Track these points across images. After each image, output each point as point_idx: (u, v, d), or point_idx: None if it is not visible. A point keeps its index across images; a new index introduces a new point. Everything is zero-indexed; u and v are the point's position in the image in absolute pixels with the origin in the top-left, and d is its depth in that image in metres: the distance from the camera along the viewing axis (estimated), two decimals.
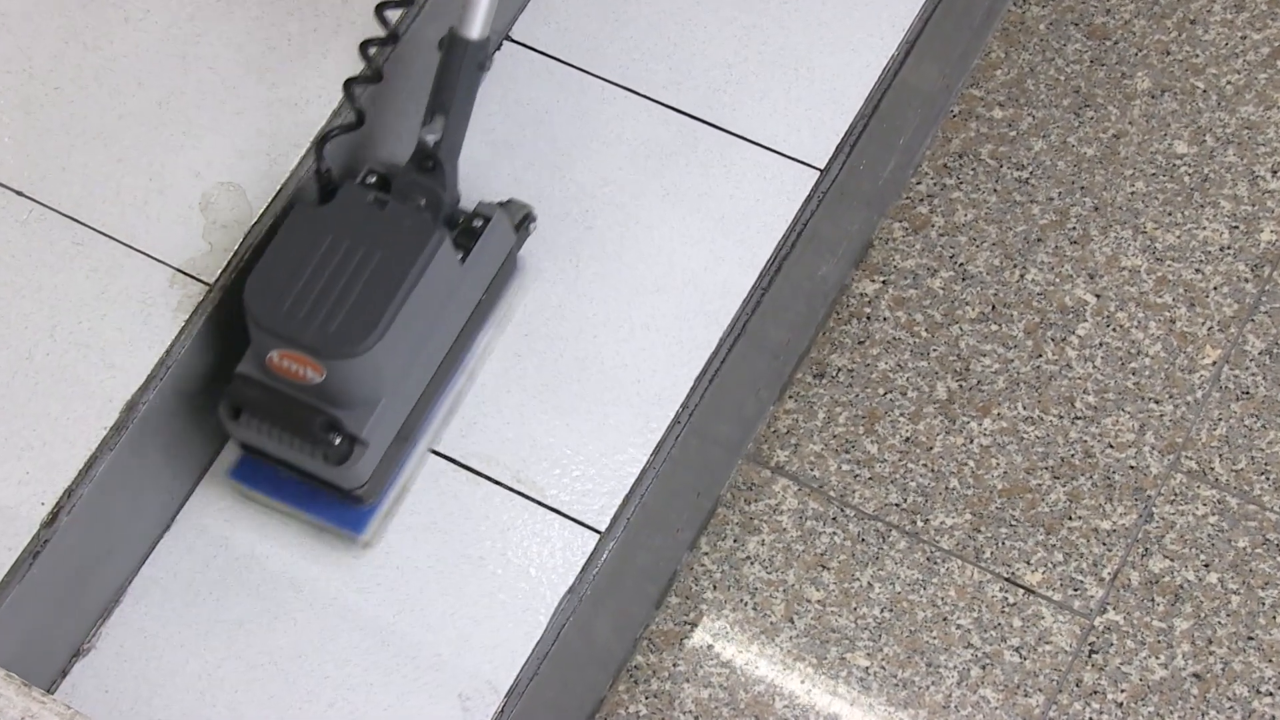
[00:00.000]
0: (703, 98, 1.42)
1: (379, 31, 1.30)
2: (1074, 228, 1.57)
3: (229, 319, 1.27)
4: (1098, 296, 1.54)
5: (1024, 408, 1.50)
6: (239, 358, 1.24)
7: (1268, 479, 1.46)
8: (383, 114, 1.35)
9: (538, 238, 1.37)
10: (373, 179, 1.28)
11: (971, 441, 1.49)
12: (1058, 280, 1.55)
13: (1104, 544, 1.44)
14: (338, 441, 1.21)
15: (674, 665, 1.42)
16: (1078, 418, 1.49)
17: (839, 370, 1.53)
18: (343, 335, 1.18)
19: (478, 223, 1.28)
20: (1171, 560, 1.43)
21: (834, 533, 1.46)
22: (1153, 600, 1.42)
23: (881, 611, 1.43)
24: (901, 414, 1.50)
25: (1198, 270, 1.54)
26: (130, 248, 1.28)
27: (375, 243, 1.21)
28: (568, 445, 1.31)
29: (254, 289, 1.21)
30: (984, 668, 1.40)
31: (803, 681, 1.41)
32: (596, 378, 1.33)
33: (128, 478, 1.24)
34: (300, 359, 1.19)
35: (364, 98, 1.29)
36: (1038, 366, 1.52)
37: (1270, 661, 1.39)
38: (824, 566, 1.45)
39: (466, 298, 1.29)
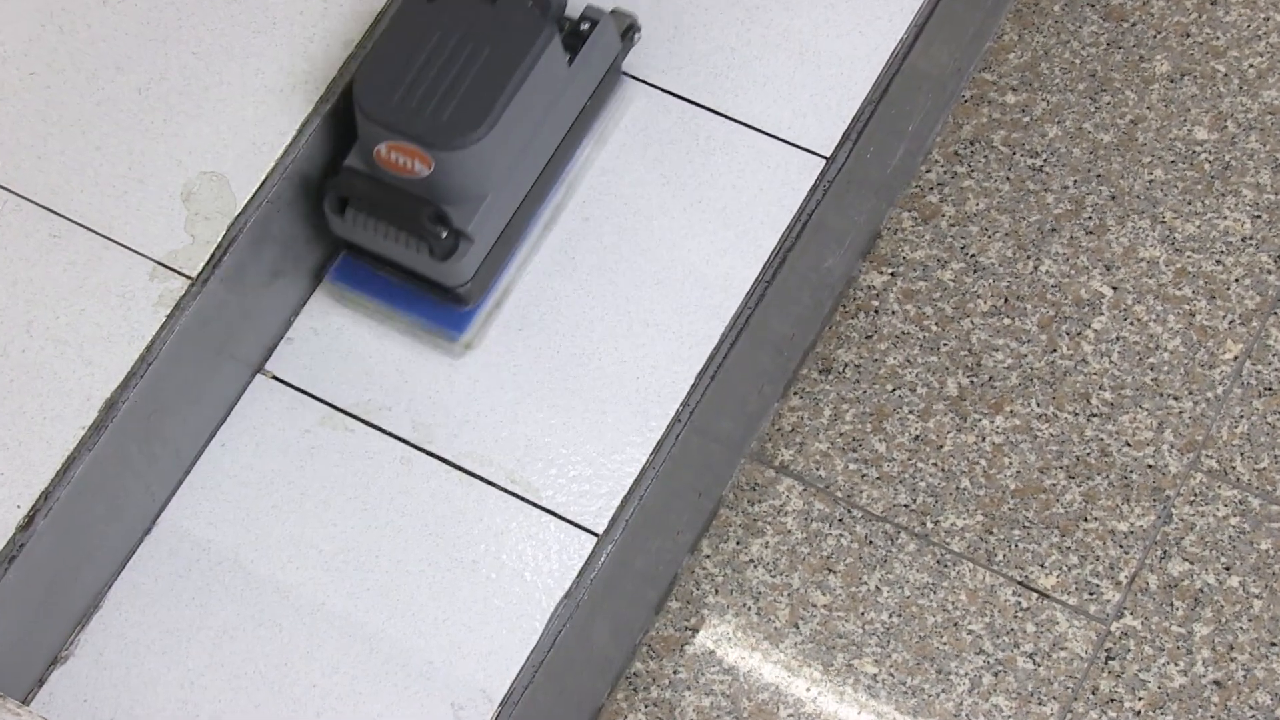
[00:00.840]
0: (704, 83, 1.41)
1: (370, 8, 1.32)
2: (1090, 217, 1.56)
3: (339, 120, 1.30)
4: (1114, 289, 1.53)
5: (1038, 404, 1.49)
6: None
7: None
8: None
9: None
10: None
11: (983, 440, 1.48)
12: (1073, 272, 1.54)
13: (1121, 546, 1.43)
14: (444, 235, 1.25)
15: (674, 672, 1.42)
16: (1094, 415, 1.48)
17: (846, 366, 1.52)
18: (453, 126, 1.22)
19: (585, 25, 1.33)
20: (1191, 563, 1.42)
21: (840, 534, 1.45)
22: (1172, 604, 1.41)
23: (890, 616, 1.42)
24: (911, 411, 1.49)
25: (1218, 261, 1.53)
26: (109, 240, 1.28)
27: (485, 37, 1.25)
28: (564, 444, 1.31)
29: (363, 81, 1.25)
30: (996, 675, 1.40)
31: (808, 689, 1.40)
32: (594, 374, 1.33)
33: (107, 478, 1.24)
34: (409, 151, 1.23)
35: None
36: (1052, 361, 1.51)
37: None
38: (830, 569, 1.44)
39: (571, 101, 1.33)
